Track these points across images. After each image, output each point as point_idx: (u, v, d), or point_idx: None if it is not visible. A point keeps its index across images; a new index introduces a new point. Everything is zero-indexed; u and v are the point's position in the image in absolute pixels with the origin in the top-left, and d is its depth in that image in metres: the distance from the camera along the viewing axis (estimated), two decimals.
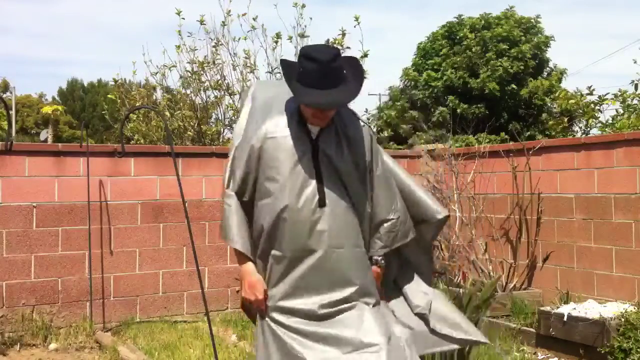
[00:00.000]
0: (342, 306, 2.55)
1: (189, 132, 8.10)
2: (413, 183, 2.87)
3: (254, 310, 2.71)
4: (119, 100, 8.66)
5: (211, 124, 8.48)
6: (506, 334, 5.13)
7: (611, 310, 4.66)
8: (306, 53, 2.52)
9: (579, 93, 9.93)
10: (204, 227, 6.13)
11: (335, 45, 7.70)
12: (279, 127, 2.61)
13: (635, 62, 9.62)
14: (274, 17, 7.94)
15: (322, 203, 2.54)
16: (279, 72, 7.40)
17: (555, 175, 6.00)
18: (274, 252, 2.59)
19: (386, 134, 12.71)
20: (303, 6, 7.93)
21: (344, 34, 7.81)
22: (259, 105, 2.73)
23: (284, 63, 2.70)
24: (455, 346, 2.86)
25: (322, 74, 2.47)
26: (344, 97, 2.53)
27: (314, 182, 2.56)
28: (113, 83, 9.25)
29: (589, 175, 5.68)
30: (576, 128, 12.30)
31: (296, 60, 2.62)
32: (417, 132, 14.52)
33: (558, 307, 4.96)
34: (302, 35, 7.83)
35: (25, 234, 5.46)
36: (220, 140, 8.34)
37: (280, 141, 2.59)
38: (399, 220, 2.72)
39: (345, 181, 2.61)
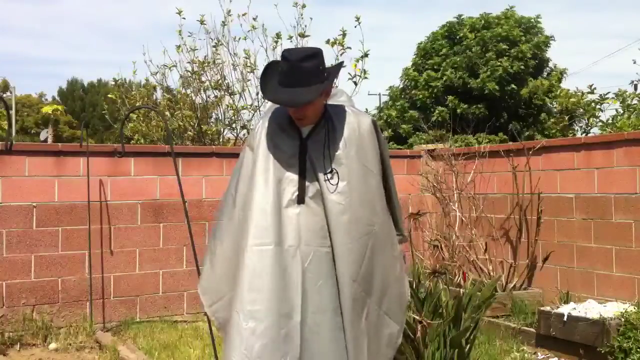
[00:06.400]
0: None
1: (189, 132, 8.10)
2: (395, 195, 2.86)
3: None
4: (119, 100, 8.66)
5: (211, 124, 8.48)
6: (506, 334, 5.13)
7: (611, 310, 4.65)
8: (283, 53, 2.55)
9: (580, 92, 9.96)
10: (204, 227, 6.13)
11: (335, 46, 7.70)
12: (271, 130, 2.65)
13: (635, 62, 9.66)
14: (274, 17, 7.94)
15: (300, 200, 2.57)
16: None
17: (555, 175, 6.00)
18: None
19: (386, 134, 12.72)
20: (303, 6, 7.93)
21: (344, 34, 7.80)
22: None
23: (271, 64, 2.74)
24: None
25: (289, 72, 2.48)
26: (296, 98, 2.48)
27: (296, 179, 2.59)
28: (113, 83, 9.26)
29: (589, 175, 5.67)
30: (576, 127, 12.32)
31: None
32: (417, 132, 14.53)
33: (558, 307, 4.96)
34: (302, 35, 7.82)
35: (25, 234, 5.46)
36: (220, 140, 8.34)
37: (275, 140, 2.63)
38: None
39: (320, 179, 2.59)
